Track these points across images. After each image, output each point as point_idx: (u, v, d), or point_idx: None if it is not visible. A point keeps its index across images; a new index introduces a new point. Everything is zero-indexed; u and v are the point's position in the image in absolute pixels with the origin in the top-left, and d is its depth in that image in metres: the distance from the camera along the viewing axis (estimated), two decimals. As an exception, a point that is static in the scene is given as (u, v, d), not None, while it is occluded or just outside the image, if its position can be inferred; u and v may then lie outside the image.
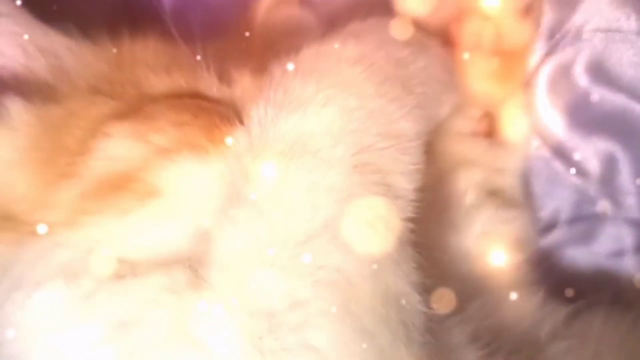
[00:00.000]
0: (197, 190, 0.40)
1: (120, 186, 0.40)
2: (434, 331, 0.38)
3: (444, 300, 0.44)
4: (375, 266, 0.34)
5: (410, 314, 0.35)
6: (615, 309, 0.48)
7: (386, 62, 0.39)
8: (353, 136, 0.36)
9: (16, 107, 0.43)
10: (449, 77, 0.43)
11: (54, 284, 0.39)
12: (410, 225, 0.37)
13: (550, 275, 0.53)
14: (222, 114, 0.42)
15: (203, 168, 0.40)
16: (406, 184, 0.37)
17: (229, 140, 0.39)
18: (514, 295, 0.47)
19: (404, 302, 0.35)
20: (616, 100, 0.49)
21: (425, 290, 0.44)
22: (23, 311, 0.40)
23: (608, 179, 0.52)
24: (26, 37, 0.46)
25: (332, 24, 0.58)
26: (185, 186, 0.40)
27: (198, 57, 0.44)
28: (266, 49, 0.57)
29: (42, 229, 0.40)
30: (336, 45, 0.40)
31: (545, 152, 0.54)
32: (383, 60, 0.39)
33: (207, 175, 0.40)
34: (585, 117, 0.50)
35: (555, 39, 0.49)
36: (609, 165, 0.52)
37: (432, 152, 0.50)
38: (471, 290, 0.47)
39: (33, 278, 0.40)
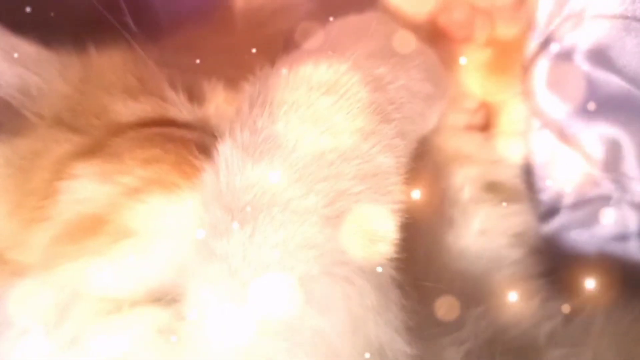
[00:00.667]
0: (170, 228, 0.38)
1: (92, 228, 0.38)
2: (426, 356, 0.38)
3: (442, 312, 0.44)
4: (354, 321, 0.32)
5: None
6: (618, 304, 0.47)
7: (361, 87, 0.36)
8: (326, 184, 0.33)
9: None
10: (435, 86, 0.39)
11: (39, 329, 0.39)
12: (393, 266, 0.35)
13: (553, 261, 0.52)
14: (194, 143, 0.40)
15: (175, 205, 0.38)
16: (387, 227, 0.35)
17: (200, 176, 0.37)
18: (513, 297, 0.46)
19: (387, 351, 0.34)
20: (620, 86, 0.45)
21: (423, 295, 0.44)
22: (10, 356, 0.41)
23: (613, 164, 0.49)
24: None
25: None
26: (158, 224, 0.38)
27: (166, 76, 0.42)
28: (251, 39, 0.54)
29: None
30: (308, 69, 0.36)
31: (547, 133, 0.51)
32: (358, 84, 0.36)
33: (179, 212, 0.38)
34: (586, 104, 0.47)
35: (554, 26, 0.45)
36: (614, 150, 0.49)
37: (426, 147, 0.48)
38: (469, 293, 0.46)
39: (18, 323, 0.40)
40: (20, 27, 0.47)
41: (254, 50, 0.46)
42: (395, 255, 0.35)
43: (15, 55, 0.44)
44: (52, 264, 0.39)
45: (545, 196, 0.53)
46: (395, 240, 0.35)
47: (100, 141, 0.40)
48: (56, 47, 0.46)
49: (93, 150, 0.39)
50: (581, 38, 0.45)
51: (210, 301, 0.35)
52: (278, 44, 0.54)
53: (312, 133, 0.34)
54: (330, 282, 0.33)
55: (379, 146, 0.35)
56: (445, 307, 0.43)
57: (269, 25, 0.55)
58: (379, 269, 0.34)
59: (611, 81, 0.46)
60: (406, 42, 0.41)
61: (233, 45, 0.49)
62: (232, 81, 0.43)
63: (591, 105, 0.47)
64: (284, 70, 0.37)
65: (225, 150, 0.35)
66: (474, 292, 0.46)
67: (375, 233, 0.34)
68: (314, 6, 0.54)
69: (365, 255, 0.34)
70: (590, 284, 0.44)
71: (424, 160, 0.48)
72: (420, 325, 0.39)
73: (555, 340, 0.45)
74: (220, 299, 0.33)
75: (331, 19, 0.45)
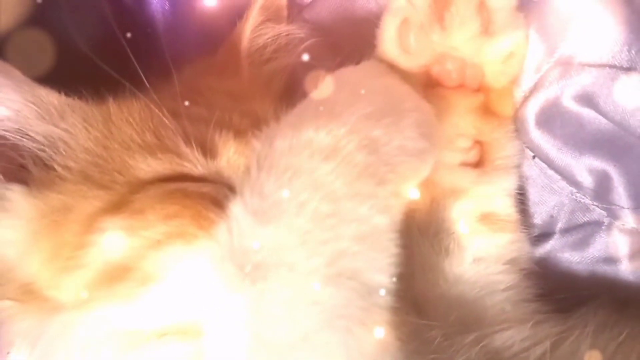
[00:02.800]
0: (190, 273, 0.43)
1: (120, 275, 0.43)
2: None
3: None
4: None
5: None
6: (606, 326, 0.50)
7: (358, 151, 0.39)
8: (326, 246, 0.37)
9: (19, 196, 0.46)
10: (428, 140, 0.42)
11: (79, 357, 0.44)
12: (391, 315, 0.39)
13: (546, 283, 0.55)
14: (209, 196, 0.44)
15: (193, 254, 0.43)
16: (383, 278, 0.38)
17: (215, 228, 0.41)
18: (506, 321, 0.50)
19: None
20: (607, 123, 0.48)
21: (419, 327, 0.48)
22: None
23: (603, 194, 0.52)
24: (18, 97, 0.48)
25: (321, 35, 0.58)
26: (179, 271, 0.43)
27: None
28: (255, 76, 0.57)
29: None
30: (310, 133, 0.40)
31: (541, 162, 0.54)
32: (355, 149, 0.39)
33: (197, 260, 0.42)
34: (576, 140, 0.50)
35: (543, 72, 0.47)
36: (603, 181, 0.52)
37: (424, 181, 0.52)
38: (464, 318, 0.50)
39: (59, 350, 0.45)
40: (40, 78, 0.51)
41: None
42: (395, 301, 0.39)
43: (43, 109, 0.48)
44: (87, 305, 0.44)
45: (539, 220, 0.56)
46: (392, 287, 0.39)
47: (124, 197, 0.44)
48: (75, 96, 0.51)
49: (118, 206, 0.44)
50: (569, 84, 0.48)
51: (227, 343, 0.39)
52: (281, 80, 0.58)
53: (313, 199, 0.38)
54: (332, 334, 0.37)
55: (375, 208, 0.39)
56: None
57: (272, 62, 0.58)
58: (378, 319, 0.38)
59: (599, 120, 0.49)
60: (401, 97, 0.44)
61: (240, 87, 0.53)
62: (241, 130, 0.47)
63: (580, 142, 0.50)
64: (288, 130, 0.41)
65: (236, 212, 0.39)
66: (468, 316, 0.50)
67: (372, 287, 0.38)
68: (315, 43, 0.57)
69: (364, 305, 0.38)
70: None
71: (422, 194, 0.52)
72: (416, 353, 0.43)
73: None
74: (234, 346, 0.38)
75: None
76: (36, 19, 0.56)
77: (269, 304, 0.37)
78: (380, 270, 0.38)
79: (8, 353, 0.50)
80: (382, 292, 0.38)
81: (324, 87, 0.44)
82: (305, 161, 0.39)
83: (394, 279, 0.39)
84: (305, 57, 0.55)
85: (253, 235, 0.38)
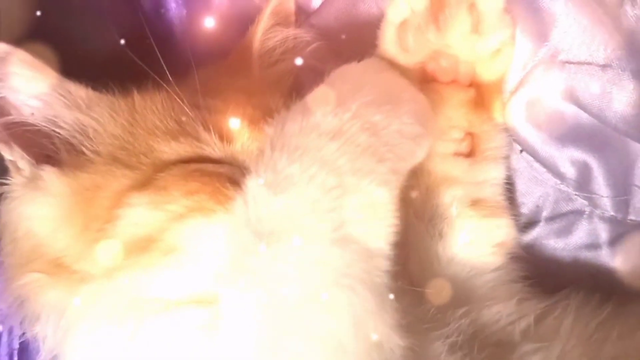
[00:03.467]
0: (208, 245, 0.48)
1: (145, 246, 0.48)
2: (417, 350, 0.46)
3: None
4: (357, 322, 0.41)
5: (392, 352, 0.42)
6: (586, 306, 0.55)
7: (361, 133, 0.44)
8: (333, 214, 0.42)
9: (51, 175, 0.51)
10: (423, 127, 0.47)
11: (104, 324, 0.49)
12: (388, 277, 0.43)
13: (532, 267, 0.60)
14: (226, 176, 0.49)
15: (212, 226, 0.47)
16: (382, 244, 0.43)
17: (232, 204, 0.46)
18: (493, 298, 0.54)
19: (384, 345, 0.42)
20: (587, 118, 0.53)
21: (415, 298, 0.53)
22: (79, 344, 0.50)
23: (584, 184, 0.57)
24: (50, 92, 0.53)
25: (327, 38, 0.63)
26: (198, 242, 0.48)
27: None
28: (266, 75, 0.62)
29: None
30: (318, 117, 0.45)
31: (528, 155, 0.59)
32: (358, 131, 0.44)
33: (215, 232, 0.47)
34: (559, 133, 0.55)
35: (528, 69, 0.53)
36: (584, 172, 0.57)
37: (420, 170, 0.57)
38: (455, 295, 0.55)
39: (86, 318, 0.49)
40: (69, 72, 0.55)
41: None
42: (392, 266, 0.44)
43: (72, 100, 0.53)
44: (114, 275, 0.48)
45: (525, 210, 0.61)
46: (390, 253, 0.43)
47: (149, 176, 0.49)
48: (102, 90, 0.55)
49: (144, 183, 0.49)
50: (551, 80, 0.53)
51: (241, 306, 0.44)
52: (289, 79, 0.63)
53: (321, 173, 0.43)
54: (338, 291, 0.41)
55: (375, 182, 0.43)
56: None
57: (281, 63, 0.64)
58: (377, 280, 0.42)
59: (580, 114, 0.54)
60: (399, 89, 0.49)
61: (252, 85, 0.58)
62: (253, 120, 0.52)
63: (562, 135, 0.55)
64: (297, 116, 0.46)
65: (252, 185, 0.44)
66: (459, 294, 0.55)
67: (372, 250, 0.43)
68: (319, 46, 0.62)
69: (365, 267, 0.42)
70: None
71: (418, 182, 0.57)
72: (412, 323, 0.47)
73: (528, 337, 0.53)
74: (250, 305, 0.42)
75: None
76: (64, 26, 0.62)
77: (282, 265, 0.41)
78: (379, 237, 0.43)
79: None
80: (382, 257, 0.43)
81: (330, 78, 0.49)
82: (314, 141, 0.44)
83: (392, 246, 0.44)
84: (311, 60, 0.60)
85: (267, 205, 0.43)
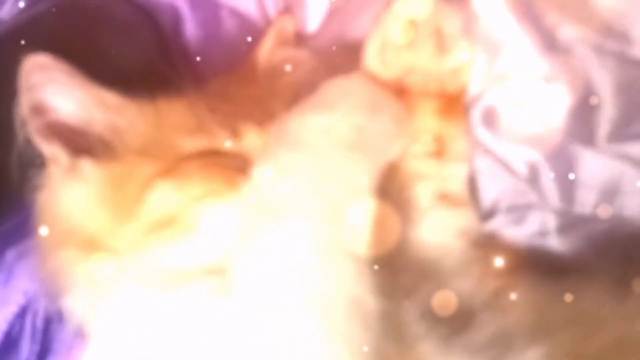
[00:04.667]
0: (220, 223, 0.57)
1: (168, 224, 0.57)
2: (391, 312, 0.55)
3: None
4: (341, 284, 0.51)
5: (369, 311, 0.52)
6: (535, 282, 0.64)
7: (348, 130, 0.54)
8: (322, 197, 0.52)
9: (88, 165, 0.61)
10: (398, 127, 0.57)
11: (131, 291, 0.58)
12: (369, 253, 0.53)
13: (492, 252, 0.69)
14: (236, 166, 0.59)
15: (224, 209, 0.57)
16: (364, 222, 0.53)
17: (240, 189, 0.56)
18: (457, 275, 0.64)
19: (363, 305, 0.51)
20: (534, 123, 0.64)
21: (392, 275, 0.62)
22: (107, 312, 0.59)
23: (535, 180, 0.67)
24: (84, 95, 0.63)
25: (322, 57, 0.74)
26: (212, 221, 0.57)
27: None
28: (270, 87, 0.72)
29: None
30: (313, 118, 0.55)
31: (488, 157, 0.69)
32: (346, 129, 0.54)
33: (227, 213, 0.57)
34: (513, 137, 0.65)
35: (484, 82, 0.63)
36: (535, 170, 0.66)
37: (395, 168, 0.67)
38: (426, 272, 0.64)
39: (114, 288, 0.58)
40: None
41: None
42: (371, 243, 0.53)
43: (104, 104, 0.63)
44: (140, 248, 0.58)
45: (486, 202, 0.69)
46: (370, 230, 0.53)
47: (172, 165, 0.58)
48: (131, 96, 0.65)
49: (168, 171, 0.58)
50: (504, 92, 0.63)
51: (249, 272, 0.53)
52: (291, 92, 0.73)
53: (315, 163, 0.53)
54: (325, 259, 0.50)
55: (359, 170, 0.53)
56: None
57: (283, 78, 0.73)
58: (359, 252, 0.52)
59: (528, 120, 0.64)
60: (380, 97, 0.60)
61: (258, 94, 0.68)
62: (260, 122, 0.62)
63: (514, 138, 0.65)
64: (296, 117, 0.56)
65: (259, 173, 0.54)
66: (428, 271, 0.64)
67: (356, 228, 0.53)
68: (316, 64, 0.73)
69: (349, 239, 0.52)
70: (499, 262, 0.62)
71: (394, 177, 0.67)
72: (388, 291, 0.56)
73: (487, 307, 0.62)
74: (255, 270, 0.52)
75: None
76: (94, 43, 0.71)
77: (282, 234, 0.51)
78: (361, 215, 0.53)
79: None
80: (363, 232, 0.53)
81: (323, 88, 0.59)
82: (309, 136, 0.54)
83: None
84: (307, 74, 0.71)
85: (270, 188, 0.53)
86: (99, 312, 0.60)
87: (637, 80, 0.61)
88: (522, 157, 0.66)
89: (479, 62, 0.63)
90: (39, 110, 0.61)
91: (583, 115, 0.62)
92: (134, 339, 0.57)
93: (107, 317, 0.59)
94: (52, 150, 0.62)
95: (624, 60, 0.60)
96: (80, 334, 0.65)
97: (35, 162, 0.63)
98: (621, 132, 0.63)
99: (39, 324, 0.75)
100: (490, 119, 0.65)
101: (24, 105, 0.60)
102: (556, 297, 0.63)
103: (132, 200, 0.58)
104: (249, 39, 0.75)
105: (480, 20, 0.63)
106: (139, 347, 0.57)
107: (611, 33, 0.60)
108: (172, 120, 0.61)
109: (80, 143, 0.62)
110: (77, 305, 0.61)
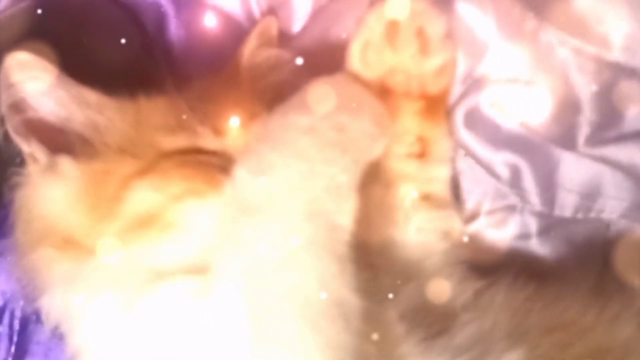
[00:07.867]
0: (201, 222, 0.57)
1: (148, 223, 0.57)
2: (372, 312, 0.55)
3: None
4: (322, 281, 0.50)
5: (350, 310, 0.52)
6: (516, 284, 0.64)
7: (329, 130, 0.54)
8: (304, 193, 0.51)
9: (67, 164, 0.60)
10: (380, 127, 0.57)
11: (107, 293, 0.57)
12: (349, 247, 0.53)
13: (473, 253, 0.70)
14: (217, 164, 0.58)
15: (204, 207, 0.57)
16: (344, 220, 0.53)
17: (221, 187, 0.56)
18: (439, 276, 0.64)
19: (344, 303, 0.51)
20: (515, 126, 0.64)
21: (374, 272, 0.62)
22: (84, 312, 0.58)
23: (516, 183, 0.67)
24: (64, 93, 0.62)
25: (303, 57, 0.74)
26: (193, 219, 0.57)
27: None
28: (253, 87, 0.72)
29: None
30: (295, 117, 0.55)
31: (469, 158, 0.69)
32: (327, 128, 0.54)
33: (207, 211, 0.57)
34: (494, 139, 0.65)
35: (467, 84, 0.64)
36: (516, 172, 0.66)
37: (379, 169, 0.67)
38: (408, 273, 0.64)
39: (92, 288, 0.58)
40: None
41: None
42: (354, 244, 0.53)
43: (84, 102, 0.62)
44: (119, 248, 0.57)
45: (469, 204, 0.70)
46: (350, 228, 0.53)
47: (152, 163, 0.58)
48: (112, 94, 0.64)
49: (148, 169, 0.58)
50: (485, 94, 0.63)
51: (228, 269, 0.53)
52: (272, 92, 0.73)
53: (296, 162, 0.52)
54: (306, 256, 0.50)
55: (339, 170, 0.53)
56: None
57: (265, 78, 0.73)
58: (340, 248, 0.52)
59: (509, 123, 0.65)
60: (362, 97, 0.60)
61: (241, 94, 0.68)
62: (242, 121, 0.62)
63: (496, 141, 0.66)
64: (278, 116, 0.56)
65: (240, 171, 0.53)
66: (411, 272, 0.64)
67: (336, 225, 0.52)
68: (298, 65, 0.73)
69: (330, 237, 0.52)
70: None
71: (378, 178, 0.67)
72: (370, 291, 0.56)
73: (467, 309, 0.62)
74: (235, 267, 0.51)
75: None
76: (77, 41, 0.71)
77: (262, 232, 0.51)
78: (342, 213, 0.53)
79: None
80: (344, 231, 0.53)
81: (306, 88, 0.59)
82: (291, 135, 0.54)
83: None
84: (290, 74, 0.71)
85: (251, 186, 0.52)
86: (75, 313, 0.59)
87: (617, 83, 0.61)
88: (503, 159, 0.67)
89: (462, 64, 0.64)
90: (18, 107, 0.60)
91: (563, 119, 0.63)
92: (112, 340, 0.57)
93: (82, 318, 0.59)
94: (31, 148, 0.61)
95: (603, 64, 0.61)
96: (57, 335, 0.64)
97: (14, 160, 0.63)
98: (601, 136, 0.63)
99: (16, 325, 0.75)
100: (472, 121, 0.65)
101: (3, 102, 0.60)
102: (534, 298, 0.63)
103: (112, 199, 0.57)
104: (233, 38, 0.74)
105: (463, 23, 0.63)
106: (118, 348, 0.57)
107: (591, 37, 0.60)
108: (153, 118, 0.61)
109: (60, 141, 0.62)
110: (54, 305, 0.60)
